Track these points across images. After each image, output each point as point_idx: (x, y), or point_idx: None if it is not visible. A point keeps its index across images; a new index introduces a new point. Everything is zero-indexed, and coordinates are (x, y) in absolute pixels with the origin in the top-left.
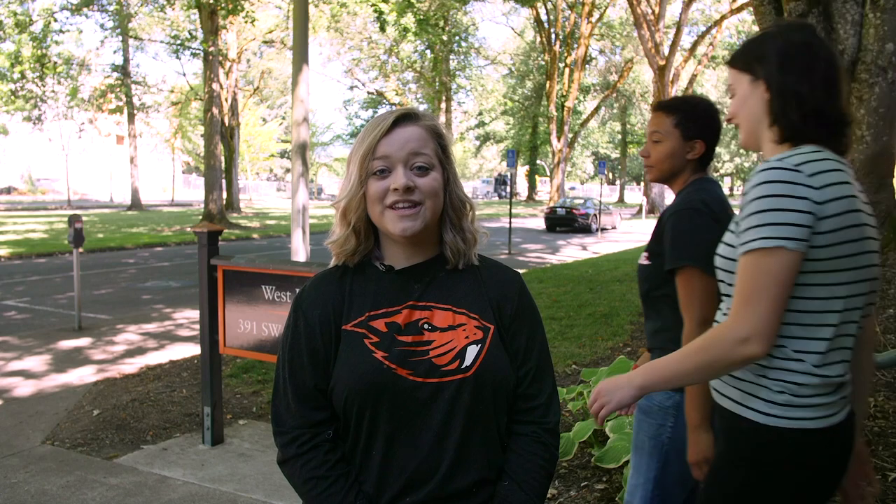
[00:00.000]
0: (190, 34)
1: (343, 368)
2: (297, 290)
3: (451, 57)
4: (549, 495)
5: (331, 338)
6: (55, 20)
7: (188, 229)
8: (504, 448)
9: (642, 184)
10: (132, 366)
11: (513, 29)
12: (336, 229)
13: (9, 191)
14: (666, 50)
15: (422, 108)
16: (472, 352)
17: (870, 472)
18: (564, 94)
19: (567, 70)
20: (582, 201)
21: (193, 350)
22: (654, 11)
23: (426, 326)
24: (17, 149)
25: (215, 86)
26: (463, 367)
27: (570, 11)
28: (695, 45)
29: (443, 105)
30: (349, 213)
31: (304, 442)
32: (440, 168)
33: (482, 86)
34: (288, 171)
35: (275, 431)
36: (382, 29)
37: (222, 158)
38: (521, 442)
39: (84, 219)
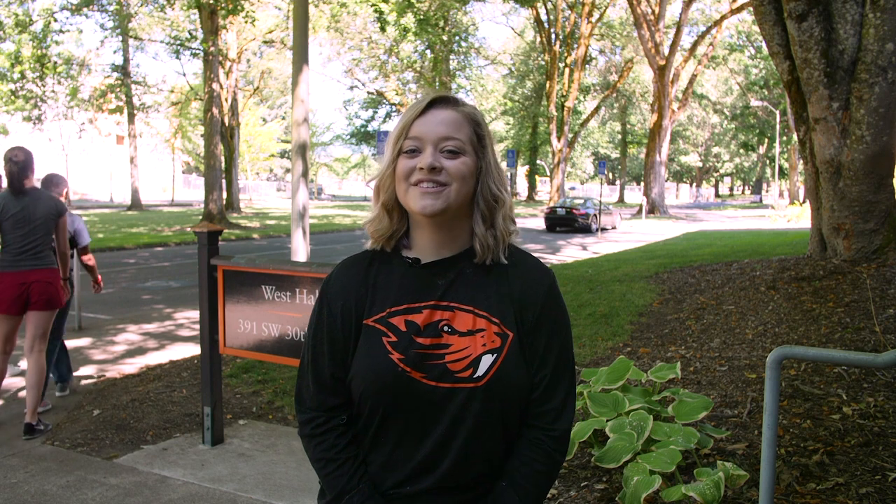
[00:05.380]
0: (190, 34)
1: (361, 365)
2: (326, 276)
3: (451, 57)
4: (549, 495)
5: (351, 330)
6: (55, 20)
7: (188, 229)
8: (509, 448)
9: (642, 184)
10: (132, 366)
11: (513, 29)
12: (372, 208)
13: None
14: (666, 50)
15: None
16: (486, 361)
17: None
18: (564, 94)
19: (567, 70)
20: (582, 201)
21: (193, 350)
22: (654, 11)
23: (446, 329)
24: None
25: (215, 86)
26: (475, 376)
27: (570, 11)
28: (695, 45)
29: None
30: (381, 192)
31: (318, 424)
32: (473, 155)
33: (482, 86)
34: (288, 171)
35: (296, 408)
36: (382, 29)
37: (222, 158)
38: (524, 446)
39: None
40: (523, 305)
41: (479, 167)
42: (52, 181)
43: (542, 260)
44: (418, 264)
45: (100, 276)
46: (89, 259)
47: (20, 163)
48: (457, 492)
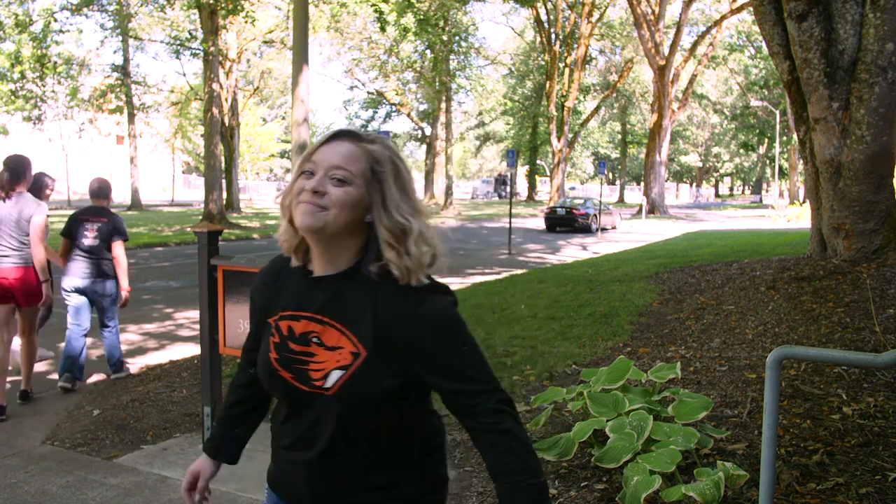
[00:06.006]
0: (190, 34)
1: (257, 355)
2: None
3: (451, 57)
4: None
5: (261, 324)
6: (55, 20)
7: (188, 229)
8: (393, 435)
9: (642, 184)
10: (132, 366)
11: (513, 29)
12: (281, 221)
13: None
14: (666, 50)
15: (422, 107)
16: (334, 376)
17: None
18: (564, 94)
19: (567, 70)
20: (582, 201)
21: (193, 350)
22: (654, 11)
23: (315, 340)
24: (17, 149)
25: (215, 86)
26: (325, 386)
27: (570, 11)
28: (695, 45)
29: (443, 105)
30: (284, 210)
31: (240, 368)
32: (363, 188)
33: (482, 86)
34: (288, 171)
35: None
36: (382, 29)
37: (222, 158)
38: (483, 441)
39: None
40: (389, 326)
41: (371, 199)
42: (36, 182)
43: (542, 260)
44: (309, 276)
45: (125, 289)
46: (116, 260)
47: (12, 170)
48: (331, 480)
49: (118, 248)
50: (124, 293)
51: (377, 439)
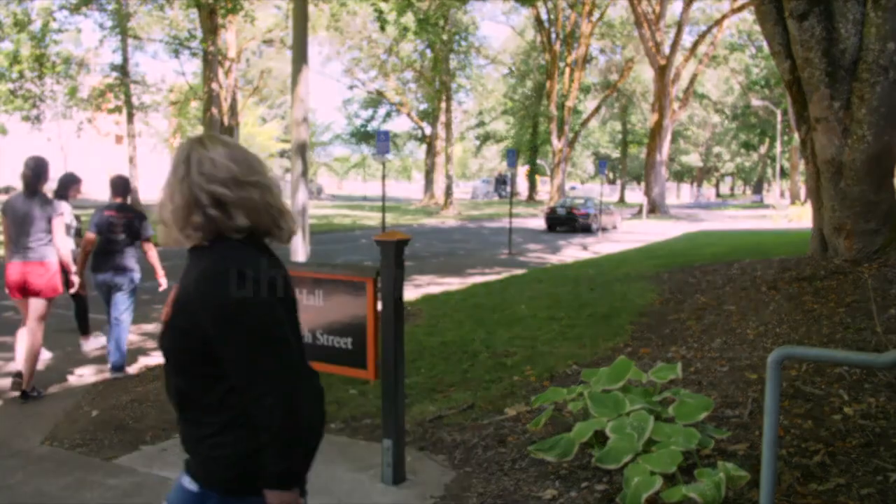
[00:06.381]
0: (189, 33)
1: None
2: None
3: (451, 56)
4: (549, 496)
5: None
6: (54, 19)
7: None
8: (202, 423)
9: (643, 184)
10: (132, 366)
11: (513, 28)
12: None
13: (7, 191)
14: (667, 49)
15: (422, 106)
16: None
17: None
18: (565, 93)
19: (567, 69)
20: (582, 201)
21: None
22: (654, 11)
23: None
24: (16, 148)
25: (214, 85)
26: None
27: (570, 11)
28: (696, 44)
29: (443, 105)
30: None
31: None
32: (173, 173)
33: (482, 85)
34: (288, 170)
35: None
36: (382, 28)
37: None
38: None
39: (83, 218)
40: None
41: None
42: (65, 181)
43: (542, 260)
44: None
45: (159, 273)
46: (147, 254)
47: (33, 170)
48: (183, 424)
49: (147, 244)
50: (164, 281)
51: (189, 396)
